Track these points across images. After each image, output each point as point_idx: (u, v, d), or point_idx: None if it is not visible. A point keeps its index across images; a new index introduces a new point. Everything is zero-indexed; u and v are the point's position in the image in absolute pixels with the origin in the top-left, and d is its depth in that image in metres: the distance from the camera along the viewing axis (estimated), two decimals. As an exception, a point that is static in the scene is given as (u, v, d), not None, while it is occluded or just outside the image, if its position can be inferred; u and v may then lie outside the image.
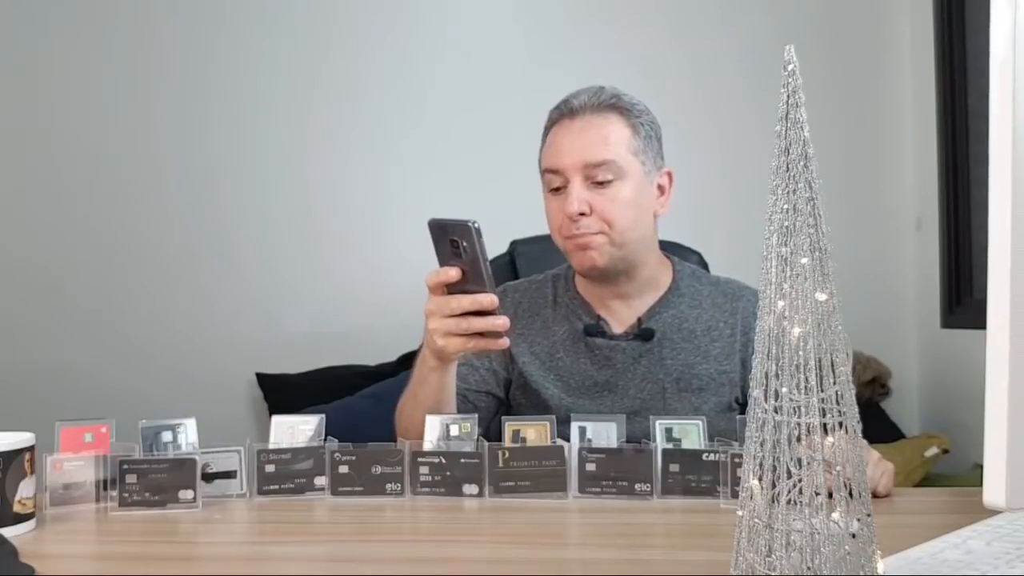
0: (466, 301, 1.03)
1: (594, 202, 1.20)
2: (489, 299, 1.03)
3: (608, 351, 1.29)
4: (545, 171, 1.26)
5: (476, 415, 1.06)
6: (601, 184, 1.20)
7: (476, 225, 0.99)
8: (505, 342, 1.06)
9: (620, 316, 1.31)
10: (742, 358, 1.29)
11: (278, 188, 2.95)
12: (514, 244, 1.68)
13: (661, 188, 1.28)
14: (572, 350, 1.30)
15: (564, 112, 1.25)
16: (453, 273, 1.03)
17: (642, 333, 1.28)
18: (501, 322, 1.04)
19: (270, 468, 1.00)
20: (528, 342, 1.32)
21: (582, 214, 1.20)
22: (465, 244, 1.00)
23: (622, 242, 1.22)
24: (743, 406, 1.30)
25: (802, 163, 0.56)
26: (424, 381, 1.13)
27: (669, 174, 1.29)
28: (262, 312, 2.92)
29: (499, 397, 1.34)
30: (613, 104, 1.23)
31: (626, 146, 1.22)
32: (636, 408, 1.25)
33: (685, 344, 1.29)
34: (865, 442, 0.59)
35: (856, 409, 0.56)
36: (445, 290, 1.05)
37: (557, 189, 1.24)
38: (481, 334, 1.05)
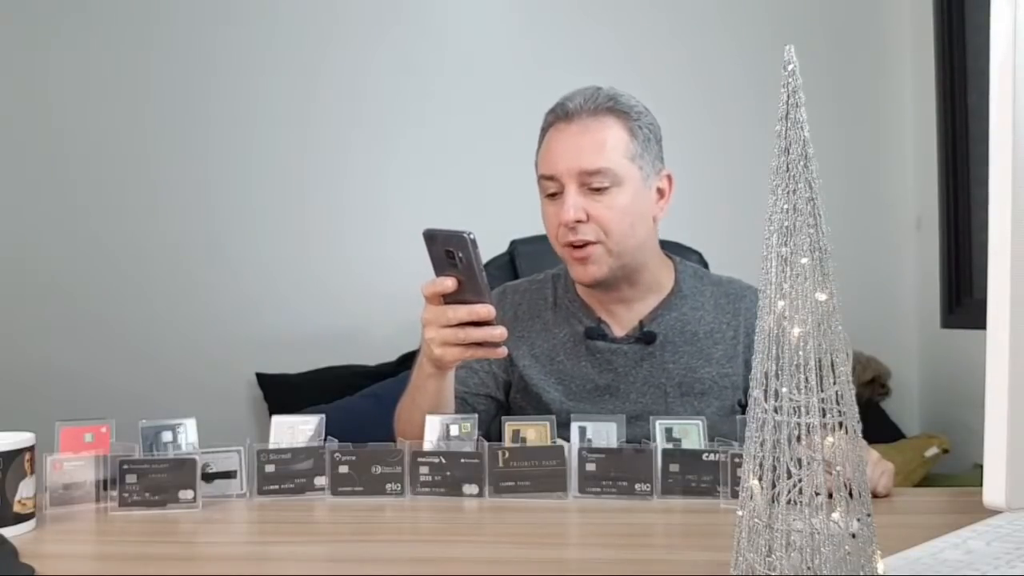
0: (463, 312, 1.03)
1: (590, 209, 1.18)
2: (486, 310, 1.02)
3: (609, 354, 1.28)
4: (541, 177, 1.24)
5: (476, 416, 1.06)
6: (597, 191, 1.18)
7: (472, 236, 0.98)
8: (503, 351, 1.06)
9: (621, 319, 1.30)
10: (745, 359, 1.28)
11: (278, 188, 2.94)
12: (514, 244, 1.68)
13: (660, 191, 1.25)
14: (573, 353, 1.29)
15: (560, 115, 1.22)
16: (449, 284, 1.02)
17: (644, 336, 1.27)
18: (499, 332, 1.04)
19: (270, 468, 1.00)
20: (528, 344, 1.31)
21: (579, 221, 1.18)
22: (461, 254, 1.00)
23: (620, 251, 1.21)
24: (745, 408, 1.29)
25: (802, 163, 0.56)
26: (422, 387, 1.13)
27: (669, 177, 1.26)
28: (262, 312, 2.92)
29: (498, 400, 1.33)
30: (610, 107, 1.20)
31: (623, 151, 1.19)
32: (638, 412, 1.22)
33: (687, 347, 1.27)
34: (864, 442, 0.59)
35: (856, 409, 0.56)
36: (441, 300, 1.04)
37: (553, 195, 1.22)
38: (479, 343, 1.05)
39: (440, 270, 1.04)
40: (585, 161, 1.18)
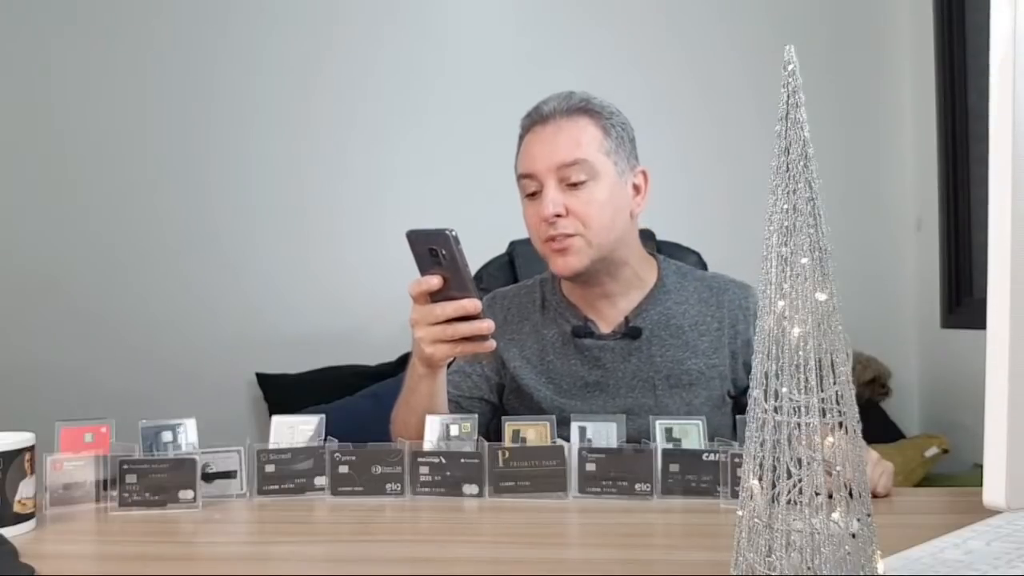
0: (450, 308, 1.05)
1: (569, 203, 1.21)
2: (472, 304, 1.04)
3: (597, 351, 1.30)
4: (520, 177, 1.27)
5: (476, 416, 1.06)
6: (575, 186, 1.21)
7: (454, 233, 1.00)
8: (492, 344, 1.08)
9: (607, 316, 1.32)
10: (731, 350, 1.31)
11: (278, 189, 2.95)
12: (513, 244, 1.68)
13: (637, 188, 1.29)
14: (562, 352, 1.31)
15: (535, 119, 1.26)
16: (435, 282, 1.04)
17: (629, 332, 1.29)
18: (486, 326, 1.06)
19: (270, 468, 1.01)
20: (519, 346, 1.33)
21: (558, 216, 1.21)
22: (444, 252, 1.02)
23: (599, 243, 1.23)
24: (735, 399, 1.31)
25: (802, 163, 0.56)
26: (415, 388, 1.15)
27: (644, 173, 1.30)
28: (262, 312, 2.92)
29: (492, 403, 1.35)
30: (583, 107, 1.24)
31: (597, 147, 1.22)
32: (628, 407, 1.25)
33: (673, 340, 1.30)
34: (864, 442, 0.59)
35: (856, 409, 0.56)
36: (428, 298, 1.06)
37: (533, 194, 1.25)
38: (467, 338, 1.06)
39: (425, 269, 1.06)
40: (561, 155, 1.21)
